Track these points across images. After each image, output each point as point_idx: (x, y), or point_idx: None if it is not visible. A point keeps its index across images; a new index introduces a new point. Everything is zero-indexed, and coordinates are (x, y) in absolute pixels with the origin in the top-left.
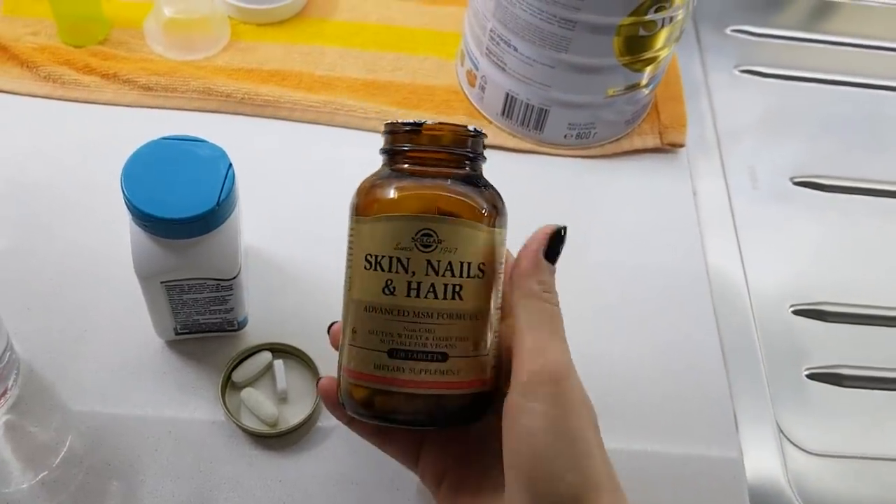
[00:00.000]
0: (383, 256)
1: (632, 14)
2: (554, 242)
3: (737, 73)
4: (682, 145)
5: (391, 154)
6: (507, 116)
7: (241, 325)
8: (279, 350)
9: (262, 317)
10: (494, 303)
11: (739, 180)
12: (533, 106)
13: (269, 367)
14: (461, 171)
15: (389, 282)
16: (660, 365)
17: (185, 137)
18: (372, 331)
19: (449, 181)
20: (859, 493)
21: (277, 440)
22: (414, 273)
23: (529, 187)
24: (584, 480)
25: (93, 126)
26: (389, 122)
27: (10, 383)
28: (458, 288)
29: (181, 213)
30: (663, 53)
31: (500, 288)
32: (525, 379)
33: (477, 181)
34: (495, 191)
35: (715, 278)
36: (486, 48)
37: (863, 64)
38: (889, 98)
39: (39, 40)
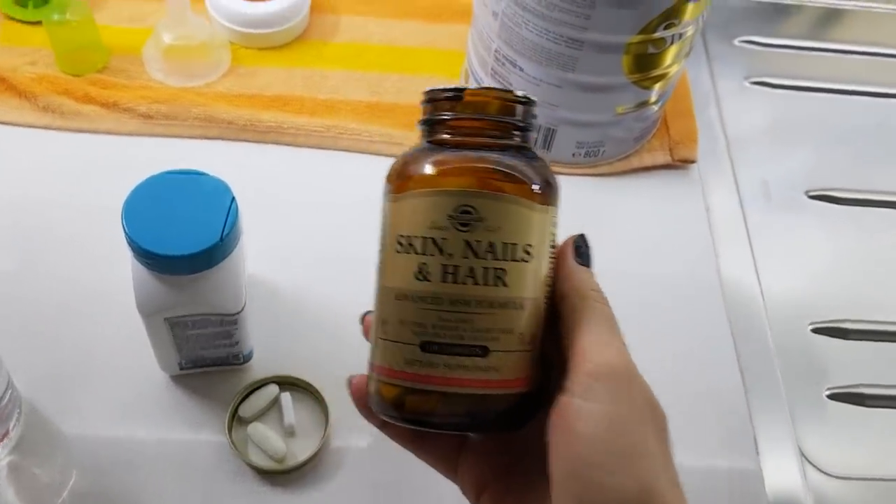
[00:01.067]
0: (416, 237)
1: (640, 32)
2: (578, 248)
3: (747, 84)
4: (693, 161)
5: (429, 125)
6: None
7: (247, 358)
8: (286, 383)
9: (268, 348)
10: (543, 291)
11: (753, 195)
12: (540, 126)
13: (276, 401)
14: (507, 143)
15: (423, 265)
16: (676, 386)
17: (187, 171)
18: (403, 321)
19: (493, 153)
20: None
21: (285, 476)
22: (450, 255)
23: None
24: (640, 488)
25: (93, 156)
26: (429, 89)
27: (12, 424)
28: (500, 272)
29: (184, 249)
30: (673, 70)
31: (550, 275)
32: (582, 377)
33: (525, 154)
34: (546, 165)
35: (730, 296)
36: (492, 69)
37: (872, 72)
38: None
39: (37, 70)
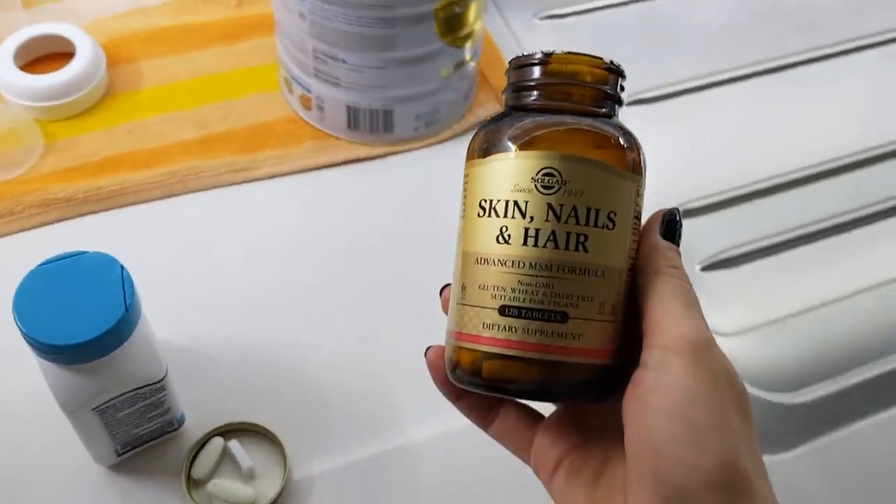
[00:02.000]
0: (498, 200)
1: None
2: (667, 223)
3: (537, 21)
4: None
5: (514, 91)
6: (354, 128)
7: (180, 422)
8: (228, 431)
9: (197, 407)
10: (626, 261)
11: None
12: (377, 110)
13: (225, 451)
14: (593, 110)
15: (504, 229)
16: None
17: (63, 255)
18: (482, 286)
19: (577, 117)
20: (786, 352)
21: None
22: (532, 218)
23: (399, 188)
24: (721, 462)
25: None
26: (515, 56)
27: None
28: (582, 238)
29: (92, 332)
30: (477, 26)
31: (634, 248)
32: (656, 351)
33: (610, 122)
34: (632, 135)
35: None
36: (314, 69)
37: None
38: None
39: None
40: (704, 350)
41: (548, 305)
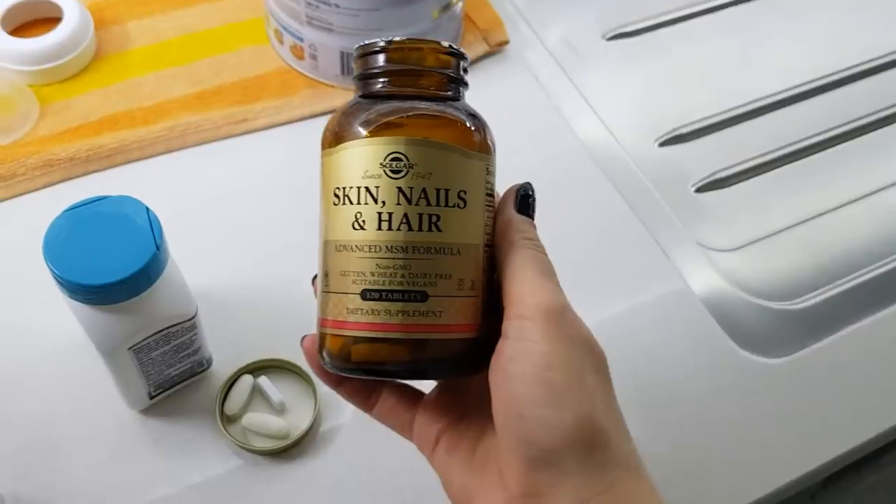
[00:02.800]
0: (351, 188)
1: None
2: (520, 197)
3: None
4: (506, 42)
5: (361, 79)
6: (348, 74)
7: (209, 363)
8: (256, 368)
9: (221, 349)
10: (481, 237)
11: (565, 56)
12: None
13: (255, 388)
14: (437, 93)
15: (359, 215)
16: (584, 242)
17: (87, 200)
18: (343, 272)
19: (421, 102)
20: (781, 263)
21: (297, 448)
22: (384, 203)
23: None
24: (578, 419)
25: None
26: (358, 45)
27: None
28: (434, 218)
29: (127, 270)
30: None
31: (490, 224)
32: (514, 320)
33: (455, 104)
34: (478, 115)
35: (592, 149)
36: (306, 16)
37: None
38: None
39: None
40: (559, 315)
41: (407, 286)
